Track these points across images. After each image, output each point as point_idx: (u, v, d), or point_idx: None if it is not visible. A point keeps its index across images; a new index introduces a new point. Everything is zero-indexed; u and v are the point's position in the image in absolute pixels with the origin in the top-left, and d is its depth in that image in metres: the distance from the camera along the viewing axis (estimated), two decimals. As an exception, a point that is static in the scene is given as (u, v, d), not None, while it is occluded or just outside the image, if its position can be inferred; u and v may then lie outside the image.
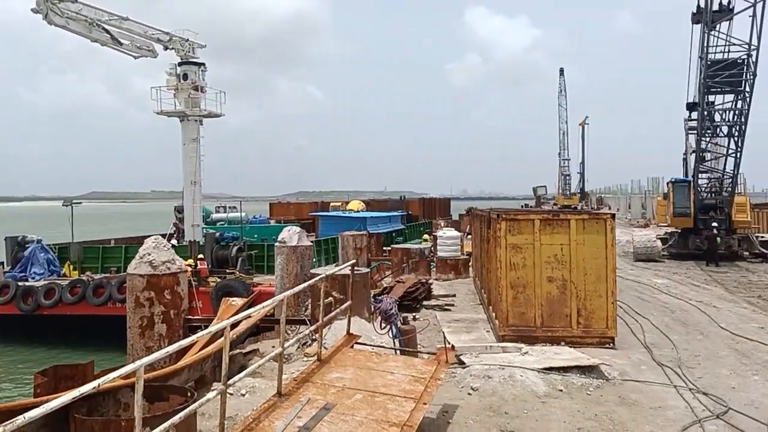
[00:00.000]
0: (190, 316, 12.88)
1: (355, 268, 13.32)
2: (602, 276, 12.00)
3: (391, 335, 9.66)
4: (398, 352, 9.19)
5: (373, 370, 7.57)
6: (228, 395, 8.62)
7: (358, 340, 8.97)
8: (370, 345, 9.31)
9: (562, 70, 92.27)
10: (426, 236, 30.96)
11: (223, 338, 5.64)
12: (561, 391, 9.07)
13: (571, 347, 11.33)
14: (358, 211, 44.43)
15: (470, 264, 21.40)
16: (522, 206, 70.02)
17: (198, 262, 22.41)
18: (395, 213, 45.02)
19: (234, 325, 10.83)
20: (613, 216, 12.68)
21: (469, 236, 24.79)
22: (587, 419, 7.97)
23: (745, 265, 26.58)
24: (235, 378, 6.14)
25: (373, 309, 10.31)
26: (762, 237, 28.94)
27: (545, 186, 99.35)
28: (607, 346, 11.79)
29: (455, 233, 23.43)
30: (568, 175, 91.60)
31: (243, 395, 8.84)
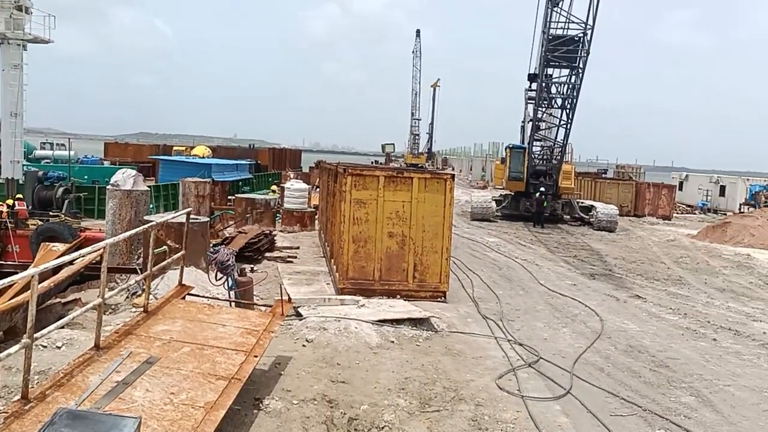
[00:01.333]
0: (2, 261, 11.64)
1: (195, 216, 12.73)
2: (439, 233, 12.50)
3: (226, 287, 9.40)
4: (233, 304, 8.97)
5: (204, 322, 7.31)
6: (41, 348, 7.97)
7: (191, 292, 8.61)
8: (204, 297, 8.99)
9: (418, 32, 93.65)
10: (274, 187, 30.46)
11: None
12: (392, 342, 9.40)
13: (406, 300, 11.77)
14: (203, 157, 42.61)
15: (316, 217, 21.40)
16: (372, 162, 71.20)
17: (16, 202, 20.28)
18: (243, 161, 43.75)
19: (56, 272, 10.00)
20: (453, 176, 13.20)
21: (318, 189, 24.74)
22: (414, 369, 8.34)
23: (566, 227, 29.18)
24: (45, 330, 5.61)
25: (210, 260, 9.95)
26: (582, 202, 31.81)
27: (393, 144, 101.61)
28: (439, 299, 12.40)
29: (303, 185, 23.25)
30: (418, 134, 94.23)
31: (59, 348, 8.17)
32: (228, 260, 9.20)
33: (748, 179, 45.65)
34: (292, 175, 31.25)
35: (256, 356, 6.59)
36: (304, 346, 8.90)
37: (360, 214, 12.34)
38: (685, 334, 11.29)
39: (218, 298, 9.11)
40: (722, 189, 45.69)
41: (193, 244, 11.13)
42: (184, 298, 8.22)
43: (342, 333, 9.36)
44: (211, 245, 12.77)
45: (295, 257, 16.05)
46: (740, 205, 41.80)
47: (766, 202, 39.15)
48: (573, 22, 27.48)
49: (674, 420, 7.23)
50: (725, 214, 37.23)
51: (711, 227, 29.09)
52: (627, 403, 7.70)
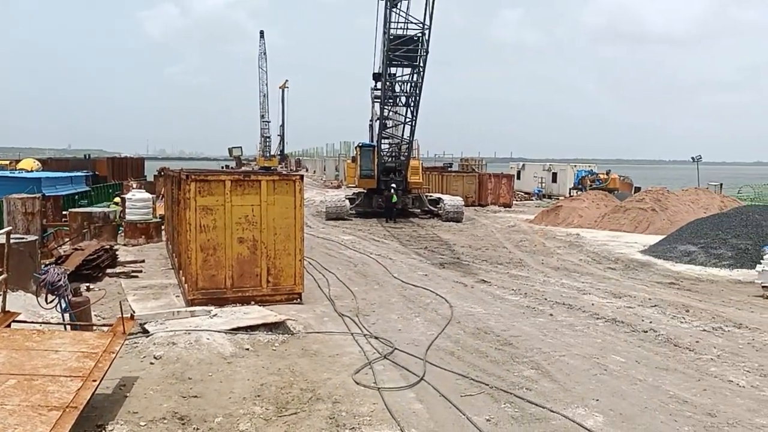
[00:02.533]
0: None
1: (19, 235, 11.61)
2: (291, 235, 12.41)
3: (59, 309, 8.66)
4: (68, 327, 8.29)
5: (33, 350, 6.69)
6: None
7: (18, 318, 7.86)
8: (34, 322, 8.22)
9: (262, 33, 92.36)
10: (117, 199, 28.60)
11: None
12: (248, 349, 9.20)
13: (261, 306, 11.57)
14: (30, 171, 38.97)
15: (163, 227, 20.39)
16: (222, 167, 69.12)
17: None
18: (79, 173, 40.59)
19: None
20: (302, 177, 13.16)
21: (163, 198, 23.56)
22: (270, 374, 8.22)
23: (417, 221, 30.24)
24: None
25: (39, 281, 9.10)
26: (430, 196, 33.13)
27: (240, 147, 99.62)
28: (295, 301, 12.33)
29: (146, 195, 22.05)
30: (269, 137, 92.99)
31: None
32: (59, 280, 8.48)
33: (575, 166, 49.98)
34: (134, 185, 29.50)
35: (94, 380, 6.14)
36: (151, 363, 8.45)
37: (207, 221, 11.92)
38: (526, 312, 12.14)
39: (50, 323, 8.38)
40: (554, 176, 49.72)
41: (18, 267, 10.18)
42: (9, 326, 7.48)
43: (193, 346, 9.00)
44: (43, 265, 11.73)
45: (141, 271, 15.18)
46: (570, 189, 45.71)
47: (591, 185, 43.12)
48: (411, 22, 28.44)
49: (517, 393, 7.74)
50: (558, 199, 40.49)
51: (545, 211, 31.54)
52: (476, 383, 8.12)
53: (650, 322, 11.38)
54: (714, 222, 20.59)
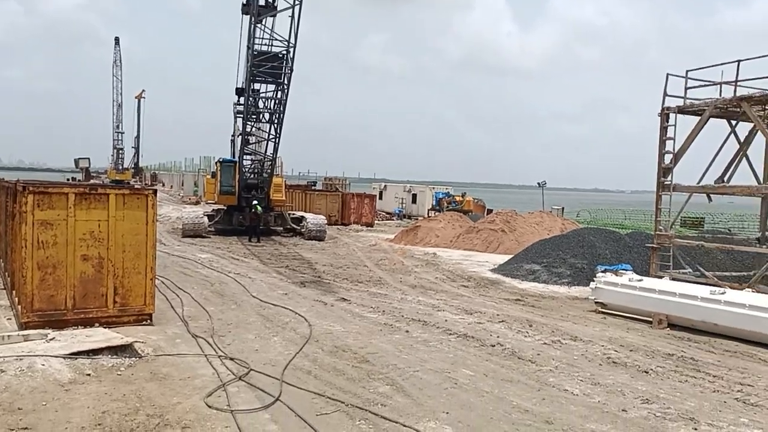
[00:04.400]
0: None
1: None
2: (142, 252, 11.77)
3: None
4: None
5: None
6: None
7: None
8: None
9: (117, 39, 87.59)
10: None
11: None
12: (89, 375, 8.56)
13: (106, 328, 10.83)
14: None
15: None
16: (68, 179, 64.24)
17: None
18: None
19: None
20: (155, 192, 12.56)
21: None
22: (114, 400, 7.70)
23: (279, 239, 29.92)
24: None
25: None
26: (293, 214, 32.95)
27: (88, 158, 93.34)
28: (145, 323, 11.68)
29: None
30: (122, 149, 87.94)
31: None
32: None
33: (433, 188, 52.07)
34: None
35: None
36: (-26, 394, 7.60)
37: (46, 237, 10.99)
38: (383, 329, 12.38)
39: None
40: (414, 197, 51.43)
41: None
42: None
43: (25, 373, 8.23)
44: None
45: (-34, 292, 13.65)
46: (428, 210, 47.48)
47: (447, 206, 45.08)
48: (276, 39, 28.39)
49: (372, 410, 7.85)
50: (417, 219, 41.87)
51: (405, 231, 32.49)
52: (332, 401, 8.13)
53: (498, 337, 12.06)
54: (555, 243, 22.30)
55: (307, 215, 32.08)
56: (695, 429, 7.66)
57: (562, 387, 9.16)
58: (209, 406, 7.71)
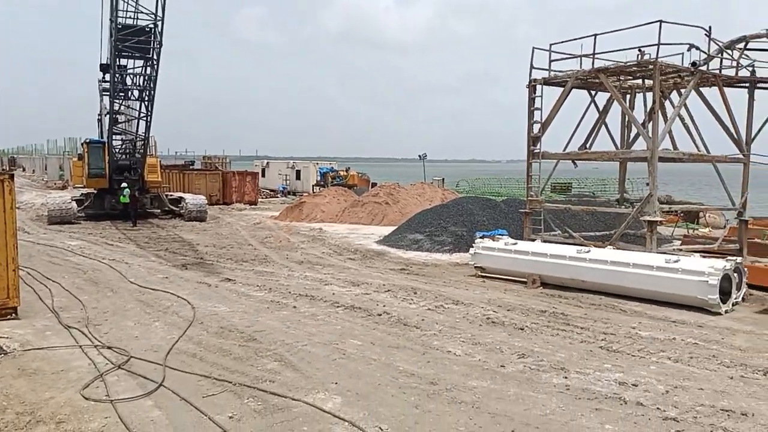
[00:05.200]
0: None
1: None
2: (1, 243, 10.87)
3: None
4: None
5: None
6: None
7: None
8: None
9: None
10: None
11: None
12: (-55, 377, 7.85)
13: (-37, 326, 9.95)
14: None
15: None
16: None
17: None
18: None
19: None
20: (12, 176, 11.58)
21: None
22: (-24, 402, 7.12)
23: (157, 221, 28.68)
24: None
25: None
26: (171, 195, 31.64)
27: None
28: (9, 317, 10.85)
29: None
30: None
31: None
32: None
33: (317, 163, 51.84)
34: None
35: None
36: None
37: None
38: (270, 306, 12.28)
39: None
40: (298, 173, 50.97)
41: None
42: None
43: None
44: None
45: None
46: (313, 186, 47.28)
47: (332, 181, 45.11)
48: (143, 12, 26.78)
49: (261, 387, 7.80)
50: (301, 195, 41.56)
51: (290, 208, 32.20)
52: (219, 382, 7.98)
53: (384, 306, 12.33)
54: (437, 212, 23.02)
55: (186, 196, 30.95)
56: (566, 377, 8.26)
57: (446, 349, 9.54)
58: (86, 398, 7.33)
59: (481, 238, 17.19)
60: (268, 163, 55.58)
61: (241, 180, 41.11)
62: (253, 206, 39.41)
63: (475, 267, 16.24)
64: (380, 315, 11.63)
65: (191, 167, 47.88)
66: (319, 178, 47.71)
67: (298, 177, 50.75)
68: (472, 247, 16.52)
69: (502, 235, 18.44)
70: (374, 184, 44.98)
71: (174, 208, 30.33)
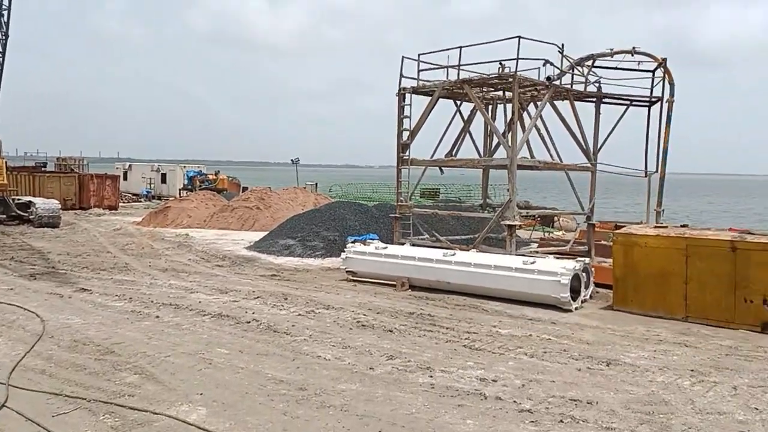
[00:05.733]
0: None
1: None
2: None
3: None
4: None
5: None
6: None
7: None
8: None
9: None
10: None
11: None
12: None
13: None
14: None
15: None
16: None
17: None
18: None
19: None
20: None
21: None
22: None
23: (2, 228, 26.24)
24: None
25: None
26: (19, 199, 29.10)
27: None
28: None
29: None
30: None
31: None
32: None
33: (185, 166, 49.91)
34: None
35: None
36: None
37: None
38: (131, 317, 11.62)
39: None
40: (164, 176, 48.82)
41: None
42: None
43: None
44: None
45: None
46: (180, 190, 45.46)
47: (200, 185, 43.62)
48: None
49: (118, 402, 7.35)
50: (167, 200, 39.86)
51: (154, 213, 30.74)
52: (71, 399, 7.43)
53: (253, 313, 12.09)
54: (309, 217, 22.95)
55: (37, 200, 28.60)
56: (431, 376, 8.54)
57: (316, 354, 9.53)
58: None
59: (352, 242, 17.36)
60: (130, 165, 52.75)
61: (100, 183, 38.63)
62: (113, 211, 37.16)
63: (347, 271, 16.37)
64: (249, 322, 11.39)
65: (43, 169, 44.32)
66: (186, 182, 45.95)
67: (163, 180, 48.60)
68: (344, 251, 16.64)
69: (373, 239, 18.74)
70: (245, 189, 44.06)
71: (22, 214, 27.90)
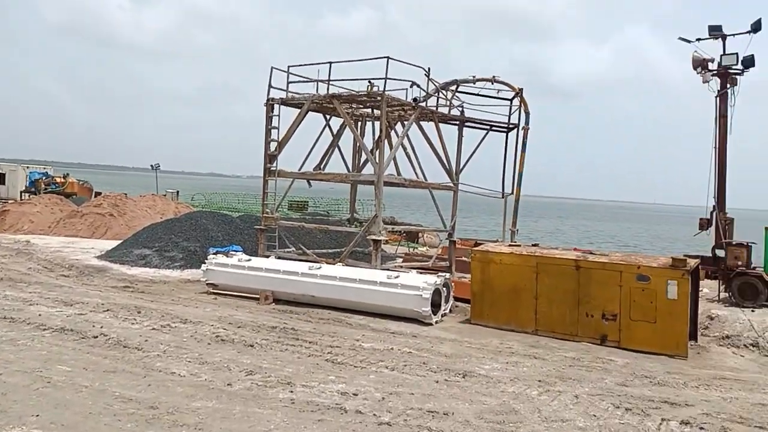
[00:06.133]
0: None
1: None
2: None
3: None
4: None
5: None
6: None
7: None
8: None
9: None
10: None
11: None
12: None
13: None
14: None
15: None
16: None
17: None
18: None
19: None
20: None
21: None
22: None
23: None
24: None
25: None
26: None
27: None
28: None
29: None
30: None
31: None
32: None
33: (27, 167, 45.79)
34: None
35: None
36: None
37: None
38: (-45, 331, 10.38)
39: None
40: (2, 177, 44.41)
41: None
42: None
43: None
44: None
45: None
46: (21, 192, 41.63)
47: (46, 188, 40.21)
48: None
49: (-66, 428, 6.51)
50: (5, 203, 36.30)
51: (-10, 216, 27.85)
52: None
53: (101, 327, 11.25)
54: (168, 226, 21.84)
55: None
56: (292, 391, 8.37)
57: (170, 370, 9.02)
58: None
59: (214, 254, 16.75)
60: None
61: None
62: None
63: (207, 284, 15.75)
64: (96, 337, 10.57)
65: None
66: (28, 184, 42.16)
67: (2, 182, 44.21)
68: (205, 263, 16.00)
69: (237, 251, 18.21)
70: (98, 194, 41.14)
71: None
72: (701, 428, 7.81)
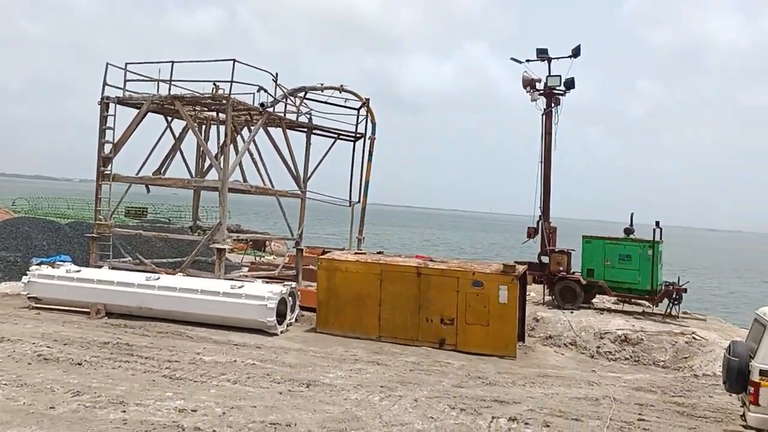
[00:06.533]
0: None
1: None
2: None
3: None
4: None
5: None
6: None
7: None
8: None
9: None
10: None
11: None
12: None
13: None
14: None
15: None
16: None
17: None
18: None
19: None
20: None
21: None
22: None
23: None
24: None
25: None
26: None
27: None
28: None
29: None
30: None
31: None
32: None
33: None
34: None
35: None
36: None
37: None
38: None
39: None
40: None
41: None
42: None
43: None
44: None
45: None
46: None
47: None
48: None
49: None
50: None
51: None
52: None
53: None
54: (-18, 234, 19.62)
55: None
56: (124, 411, 7.87)
57: (-19, 396, 8.10)
58: None
59: (38, 264, 15.34)
60: None
61: None
62: None
63: (29, 297, 14.36)
64: None
65: None
66: None
67: None
68: (27, 275, 14.58)
69: (65, 261, 16.81)
70: None
71: None
72: (526, 423, 8.45)
